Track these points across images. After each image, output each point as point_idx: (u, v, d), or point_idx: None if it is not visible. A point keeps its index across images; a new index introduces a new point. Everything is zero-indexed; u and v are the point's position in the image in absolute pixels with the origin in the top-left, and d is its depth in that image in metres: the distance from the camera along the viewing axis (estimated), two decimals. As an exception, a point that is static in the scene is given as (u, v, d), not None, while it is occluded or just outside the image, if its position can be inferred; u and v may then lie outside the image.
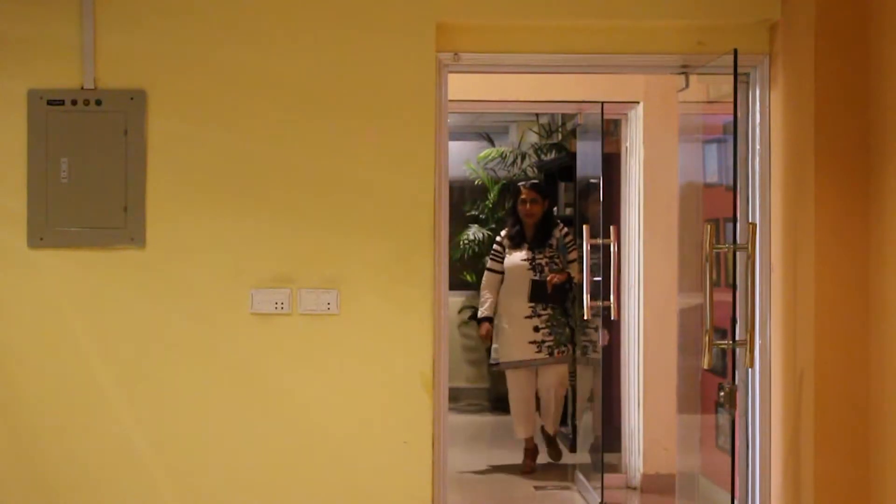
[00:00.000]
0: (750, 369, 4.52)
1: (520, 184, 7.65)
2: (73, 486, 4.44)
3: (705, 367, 4.42)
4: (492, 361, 7.52)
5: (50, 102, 4.39)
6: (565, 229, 7.31)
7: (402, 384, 4.42)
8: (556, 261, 7.18)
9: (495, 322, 7.35)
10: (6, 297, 4.42)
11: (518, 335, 7.18)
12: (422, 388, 4.42)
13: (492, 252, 7.48)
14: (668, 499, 5.56)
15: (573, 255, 7.19)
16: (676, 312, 5.41)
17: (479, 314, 7.42)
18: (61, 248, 4.41)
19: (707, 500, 5.06)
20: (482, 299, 7.39)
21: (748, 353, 4.32)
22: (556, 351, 7.21)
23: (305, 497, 4.45)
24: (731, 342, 4.41)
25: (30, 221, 4.40)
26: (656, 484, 6.49)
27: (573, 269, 7.17)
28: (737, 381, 4.53)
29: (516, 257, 7.27)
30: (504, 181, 9.59)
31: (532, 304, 7.15)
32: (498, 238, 7.50)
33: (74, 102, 4.39)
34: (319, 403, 4.45)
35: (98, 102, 4.39)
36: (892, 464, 3.83)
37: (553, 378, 7.24)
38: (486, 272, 7.42)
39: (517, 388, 7.34)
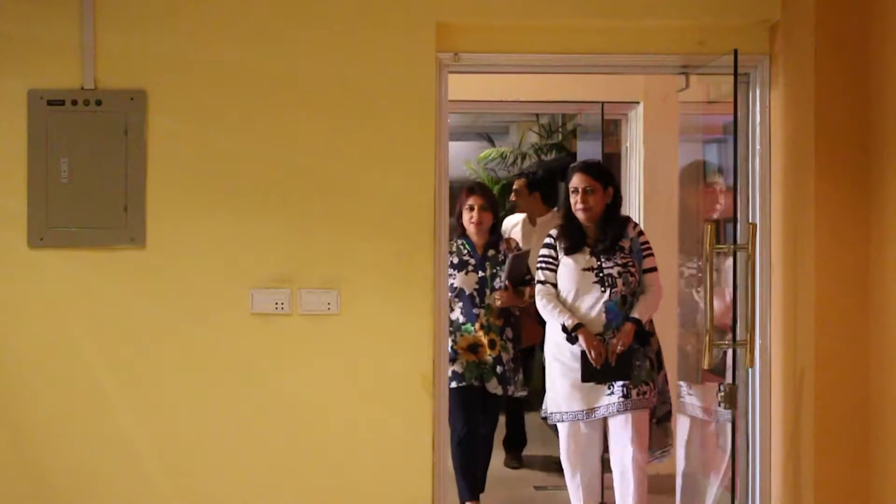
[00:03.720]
0: (750, 369, 4.52)
1: (571, 166, 5.49)
2: (73, 486, 4.44)
3: (705, 367, 4.43)
4: (542, 414, 5.48)
5: (50, 102, 4.39)
6: (639, 227, 5.38)
7: (402, 384, 4.42)
8: (632, 269, 5.18)
9: (546, 358, 5.42)
10: (6, 297, 4.42)
11: (576, 374, 5.18)
12: (422, 388, 4.42)
13: (540, 258, 5.38)
14: (669, 499, 5.54)
15: (649, 263, 5.26)
16: (676, 312, 5.41)
17: (568, 325, 5.20)
18: (61, 248, 4.41)
19: (707, 500, 5.06)
20: (551, 312, 5.27)
21: (748, 353, 4.32)
22: (633, 391, 5.15)
23: (305, 497, 4.45)
24: (731, 342, 4.41)
25: (30, 221, 4.40)
26: (656, 484, 6.48)
27: (651, 283, 5.23)
28: (737, 381, 4.53)
29: (573, 266, 5.23)
30: (504, 181, 9.60)
31: (600, 333, 5.14)
32: (548, 239, 5.41)
33: (74, 102, 4.39)
34: (319, 403, 4.45)
35: (98, 102, 4.39)
36: (892, 464, 3.83)
37: (627, 431, 5.18)
38: (538, 286, 5.36)
39: (579, 450, 5.32)
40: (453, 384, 5.74)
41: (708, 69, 4.57)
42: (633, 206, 6.71)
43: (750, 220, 4.55)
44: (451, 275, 5.75)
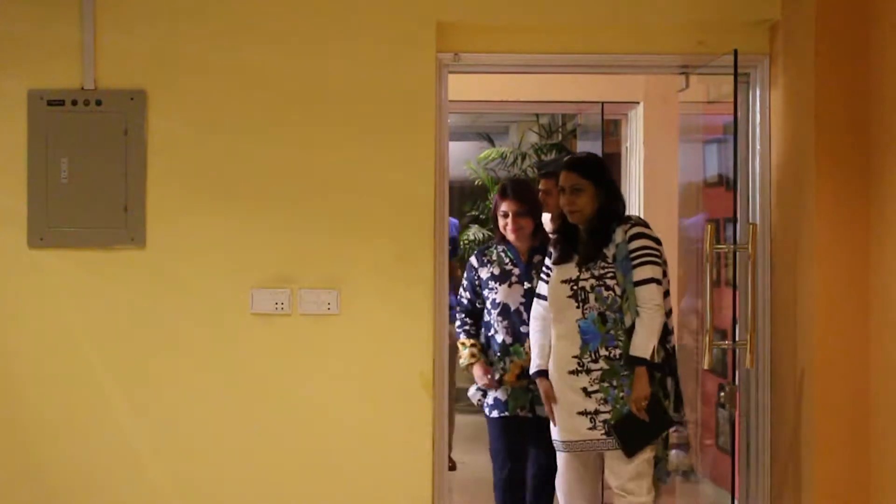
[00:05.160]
0: (750, 369, 4.52)
1: (561, 164, 4.61)
2: (73, 486, 4.44)
3: (705, 367, 4.42)
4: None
5: (50, 102, 4.39)
6: (636, 228, 4.32)
7: (402, 384, 4.41)
8: (609, 282, 4.28)
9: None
10: (6, 297, 4.42)
11: (563, 400, 4.35)
12: (422, 388, 4.42)
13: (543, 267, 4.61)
14: (669, 499, 5.55)
15: (641, 273, 4.24)
16: (677, 312, 5.41)
17: (532, 366, 4.56)
18: (61, 248, 4.41)
19: (707, 499, 5.06)
20: (532, 340, 4.60)
21: (748, 353, 4.32)
22: (609, 431, 4.28)
23: (306, 497, 4.45)
24: (731, 342, 4.41)
25: (30, 221, 4.40)
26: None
27: (643, 301, 4.22)
28: (737, 381, 4.53)
29: (555, 278, 4.43)
30: (504, 182, 9.59)
31: (576, 356, 4.30)
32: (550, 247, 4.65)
33: (74, 102, 4.39)
34: (319, 403, 4.44)
35: (98, 102, 4.39)
36: (892, 464, 3.83)
37: (621, 473, 4.30)
38: (535, 299, 4.62)
39: (567, 482, 4.42)
40: (494, 413, 4.95)
41: (708, 69, 4.57)
42: (634, 207, 6.72)
43: (750, 220, 4.55)
44: (492, 289, 4.97)
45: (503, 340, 4.96)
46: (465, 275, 5.17)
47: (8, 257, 4.42)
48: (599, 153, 6.45)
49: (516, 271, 4.99)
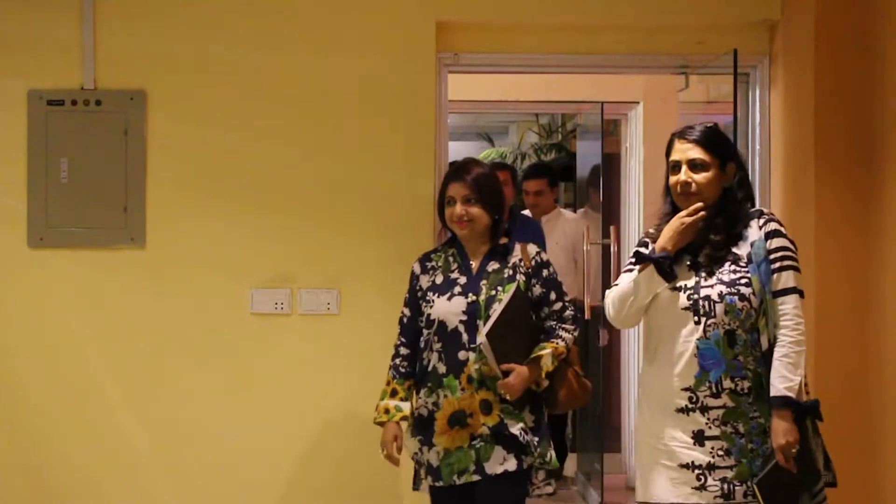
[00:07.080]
0: (750, 369, 4.50)
1: (673, 133, 3.34)
2: (73, 485, 4.44)
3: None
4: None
5: (50, 102, 4.39)
6: (774, 224, 3.22)
7: (402, 384, 4.41)
8: (744, 290, 3.17)
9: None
10: (6, 297, 4.42)
11: (660, 448, 3.24)
12: (422, 388, 4.42)
13: (626, 267, 3.41)
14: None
15: (785, 280, 3.16)
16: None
17: (639, 261, 3.29)
18: (61, 248, 4.41)
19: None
20: (624, 282, 3.36)
21: (748, 353, 4.30)
22: (738, 489, 3.15)
23: (305, 496, 4.45)
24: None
25: (30, 221, 4.40)
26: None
27: (788, 317, 3.15)
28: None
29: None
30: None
31: (687, 388, 3.18)
32: (642, 243, 3.38)
33: (74, 102, 4.39)
34: (319, 404, 4.44)
35: (98, 102, 4.39)
36: (892, 463, 3.83)
37: None
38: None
39: None
40: (428, 480, 3.70)
41: (708, 69, 4.57)
42: (633, 207, 6.71)
43: (750, 220, 4.54)
44: (428, 301, 3.67)
45: (434, 368, 3.64)
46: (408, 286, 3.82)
47: (8, 257, 4.42)
48: (599, 153, 6.45)
49: (462, 280, 3.68)
